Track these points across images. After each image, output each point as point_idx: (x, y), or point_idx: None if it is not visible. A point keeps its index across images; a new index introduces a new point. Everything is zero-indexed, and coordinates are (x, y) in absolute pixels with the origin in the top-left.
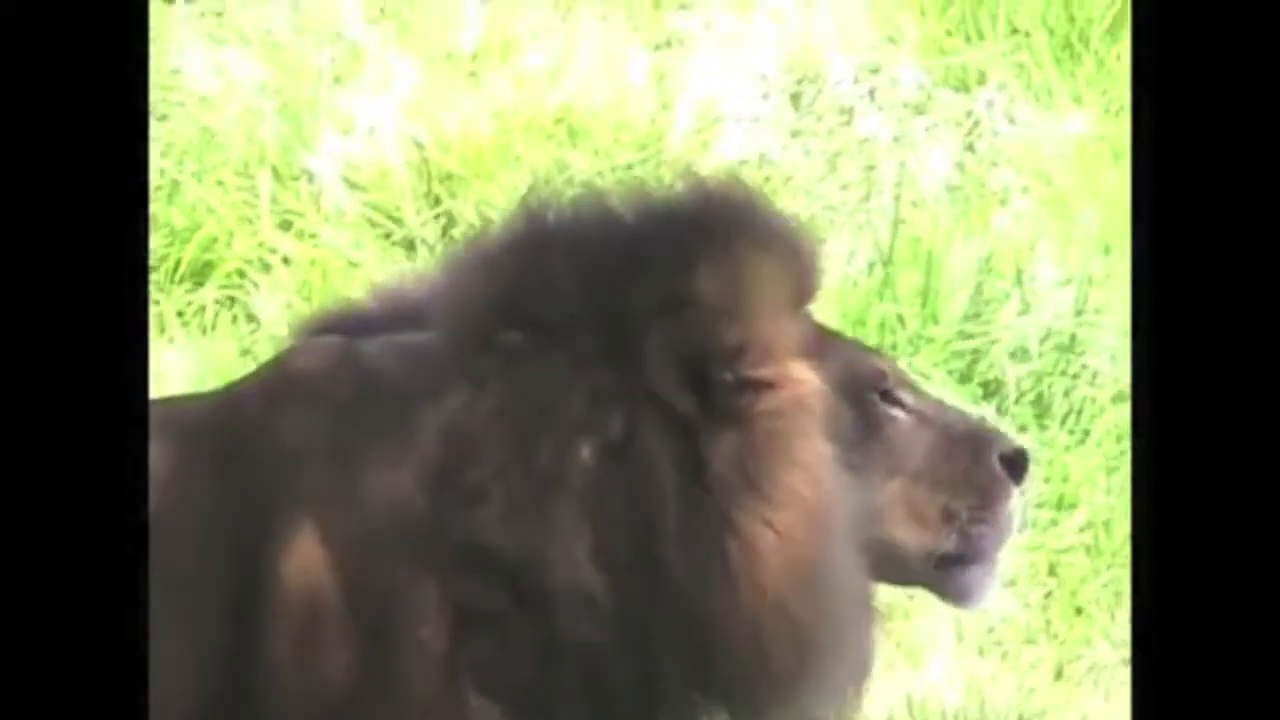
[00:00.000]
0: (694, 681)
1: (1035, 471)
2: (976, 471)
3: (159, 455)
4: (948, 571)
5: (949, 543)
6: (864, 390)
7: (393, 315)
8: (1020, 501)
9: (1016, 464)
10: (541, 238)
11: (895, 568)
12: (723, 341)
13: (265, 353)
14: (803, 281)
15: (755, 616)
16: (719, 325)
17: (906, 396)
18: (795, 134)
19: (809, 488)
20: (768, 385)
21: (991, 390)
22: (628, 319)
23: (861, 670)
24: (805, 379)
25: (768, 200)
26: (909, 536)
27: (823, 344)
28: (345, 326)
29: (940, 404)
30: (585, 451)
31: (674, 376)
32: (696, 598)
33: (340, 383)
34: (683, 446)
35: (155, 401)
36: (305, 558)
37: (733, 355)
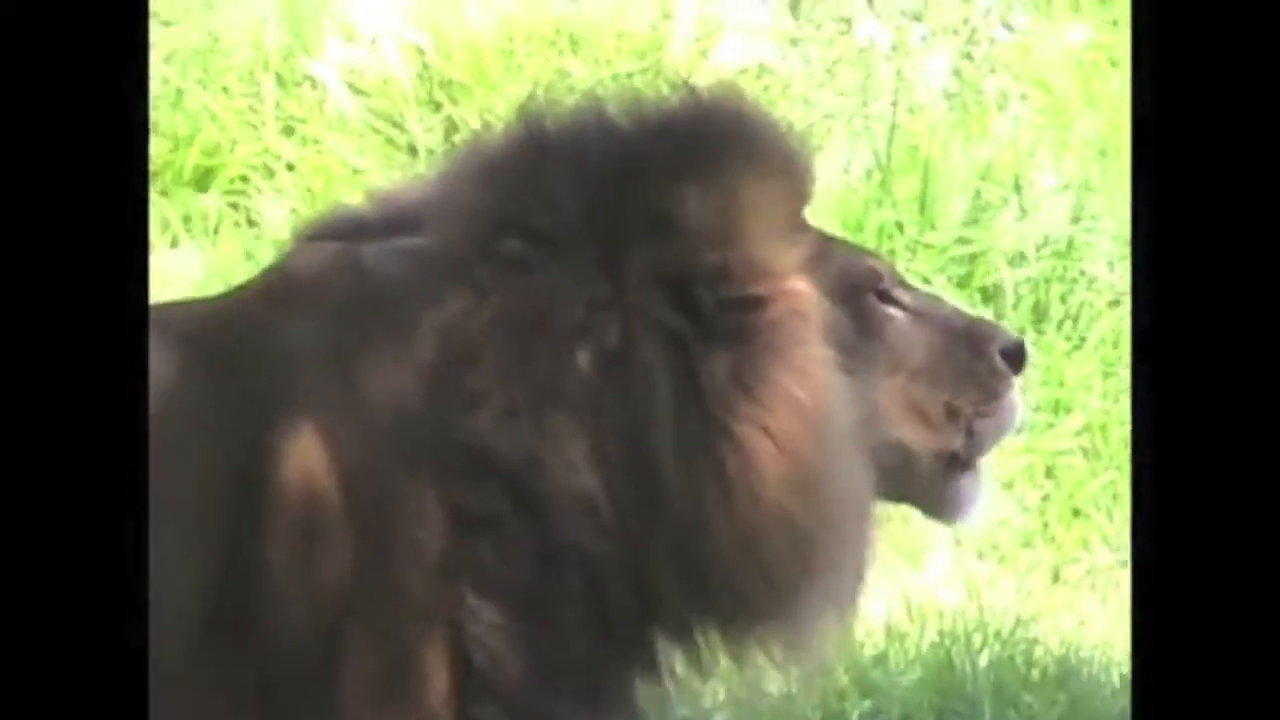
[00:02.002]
0: (690, 592)
1: (1032, 375)
2: (977, 366)
3: (159, 360)
4: (952, 474)
5: (956, 441)
6: (860, 292)
7: (391, 220)
8: (1020, 394)
9: (1015, 357)
10: (541, 146)
11: (904, 473)
12: (710, 262)
13: (269, 257)
14: (796, 194)
15: (753, 524)
16: (707, 246)
17: (903, 295)
18: (794, 42)
19: (806, 392)
20: (761, 301)
21: (989, 295)
22: (620, 234)
23: (858, 577)
24: (799, 289)
25: (761, 111)
26: (915, 436)
27: (817, 250)
28: (344, 231)
29: (937, 301)
30: (582, 359)
31: (661, 297)
32: (693, 508)
33: (340, 287)
34: (679, 357)
35: (156, 306)
36: (304, 460)
37: (721, 276)
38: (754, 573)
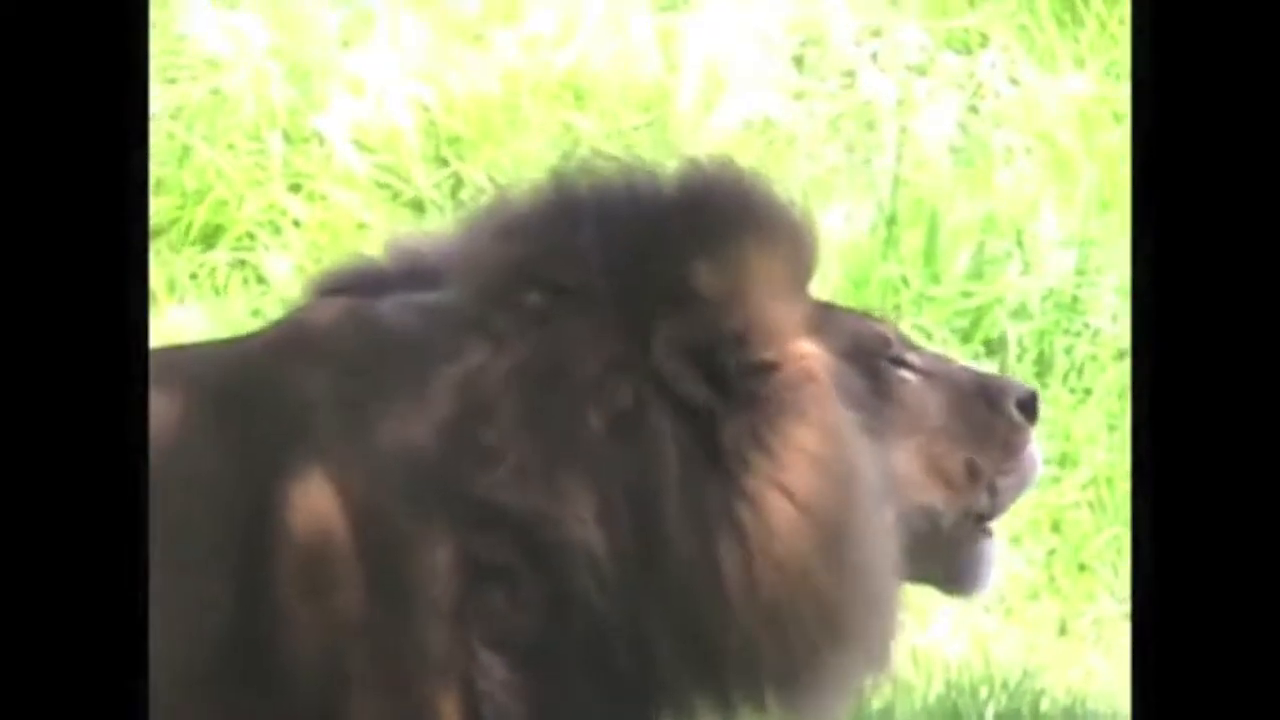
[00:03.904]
0: (691, 658)
1: (1038, 428)
2: (995, 422)
3: (166, 401)
4: (975, 538)
5: (980, 500)
6: (871, 357)
7: (408, 274)
8: (1037, 447)
9: (1030, 408)
10: (568, 205)
11: (929, 538)
12: (723, 329)
13: (276, 314)
14: (801, 263)
15: (773, 588)
16: (720, 314)
17: (913, 358)
18: (798, 96)
19: (825, 447)
20: (774, 365)
21: (994, 348)
22: (638, 298)
23: (886, 647)
24: (810, 353)
25: (766, 184)
26: (939, 498)
27: (824, 318)
28: (359, 286)
29: (946, 360)
30: (595, 419)
31: (676, 362)
32: (698, 575)
33: (353, 339)
34: (692, 422)
35: (165, 348)
36: (316, 509)
37: (734, 341)
38: (770, 638)
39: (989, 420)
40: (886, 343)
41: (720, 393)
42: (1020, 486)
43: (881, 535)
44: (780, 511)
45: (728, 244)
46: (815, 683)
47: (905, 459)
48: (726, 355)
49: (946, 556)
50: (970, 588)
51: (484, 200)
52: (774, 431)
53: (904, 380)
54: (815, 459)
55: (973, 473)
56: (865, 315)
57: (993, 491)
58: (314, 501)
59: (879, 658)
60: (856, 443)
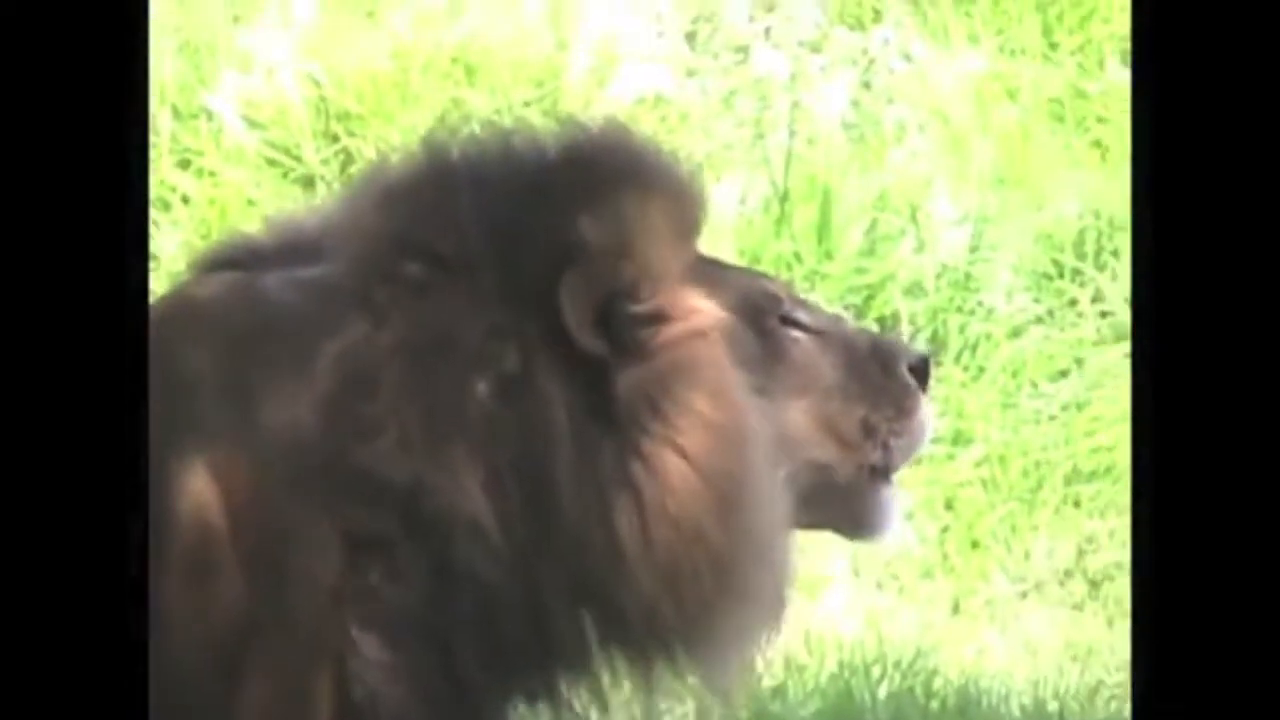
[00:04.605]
0: (592, 620)
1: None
2: (888, 383)
3: None
4: (872, 486)
5: (875, 455)
6: (762, 315)
7: (290, 248)
8: (930, 409)
9: (923, 371)
10: (443, 172)
11: (823, 491)
12: (609, 283)
13: (164, 290)
14: (687, 217)
15: (667, 545)
16: (606, 269)
17: (804, 316)
18: (691, 72)
19: (718, 410)
20: (666, 318)
21: (887, 326)
22: (528, 262)
23: (779, 602)
24: (702, 307)
25: (651, 142)
26: (833, 455)
27: (714, 274)
28: (242, 260)
29: (839, 319)
30: (481, 386)
31: (561, 322)
32: (593, 537)
33: (236, 314)
34: (580, 384)
35: None
36: (197, 490)
37: (622, 294)
38: (667, 596)
39: (881, 382)
40: (778, 301)
41: (613, 344)
42: (911, 449)
43: (773, 493)
44: (675, 471)
45: (612, 197)
46: (713, 637)
47: (797, 417)
48: (618, 304)
49: (845, 505)
50: (872, 532)
51: (361, 172)
52: (667, 394)
53: (795, 339)
54: (708, 422)
55: (867, 429)
56: (755, 272)
57: (886, 449)
58: (193, 488)
59: (773, 612)
60: (748, 403)
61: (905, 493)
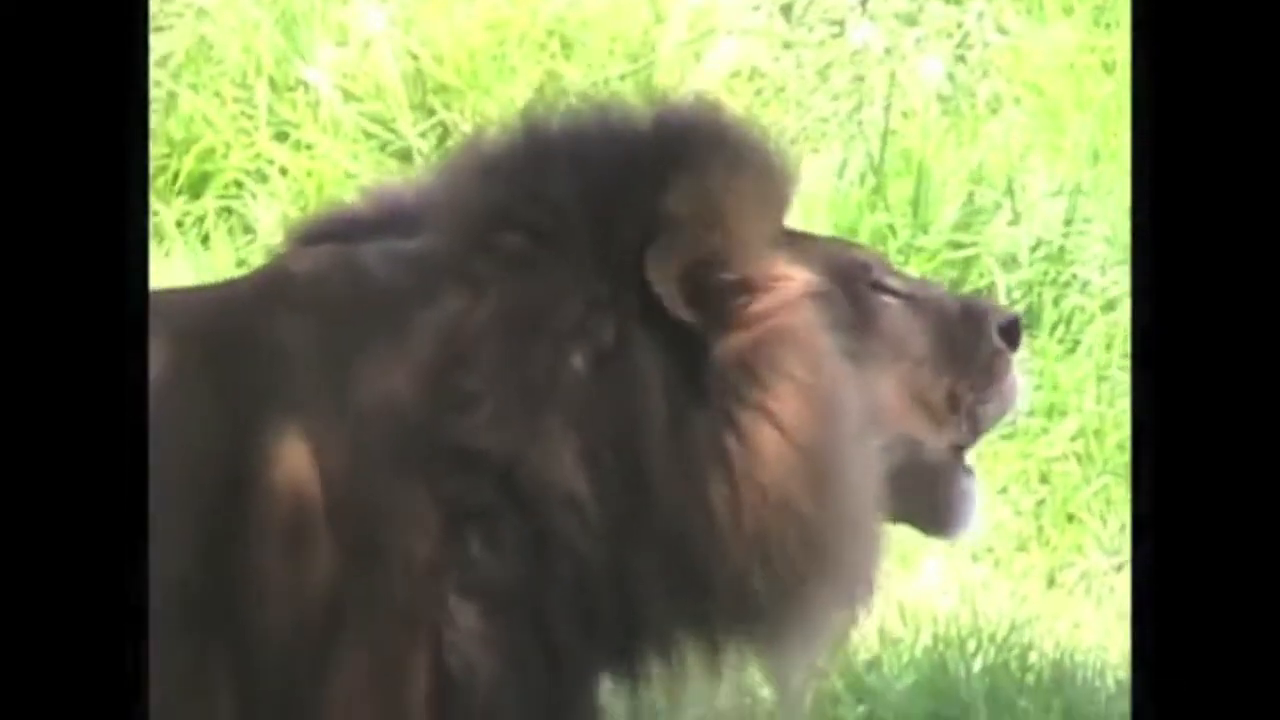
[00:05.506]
0: (682, 595)
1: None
2: (978, 346)
3: (152, 346)
4: (956, 473)
5: (961, 431)
6: (852, 281)
7: (388, 219)
8: (1021, 372)
9: (1013, 332)
10: (542, 145)
11: (912, 474)
12: (706, 249)
13: (261, 263)
14: (776, 192)
15: (759, 518)
16: (701, 241)
17: (894, 282)
18: (787, 45)
19: (815, 376)
20: (758, 287)
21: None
22: (621, 236)
23: (870, 578)
24: (793, 274)
25: (743, 117)
26: (921, 428)
27: (803, 245)
28: (340, 232)
29: (927, 284)
30: (578, 359)
31: (672, 290)
32: (689, 511)
33: (336, 286)
34: (674, 356)
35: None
36: (293, 460)
37: (719, 261)
38: (759, 569)
39: (971, 344)
40: (866, 268)
41: (706, 314)
42: (1001, 413)
43: (866, 464)
44: (769, 441)
45: (700, 170)
46: (801, 614)
47: (887, 386)
48: (709, 273)
49: (928, 492)
50: (953, 527)
51: (458, 145)
52: (763, 361)
53: (885, 305)
54: (802, 386)
55: (953, 402)
56: (846, 242)
57: (972, 418)
58: (290, 459)
59: (863, 588)
60: (841, 369)
61: (987, 488)
